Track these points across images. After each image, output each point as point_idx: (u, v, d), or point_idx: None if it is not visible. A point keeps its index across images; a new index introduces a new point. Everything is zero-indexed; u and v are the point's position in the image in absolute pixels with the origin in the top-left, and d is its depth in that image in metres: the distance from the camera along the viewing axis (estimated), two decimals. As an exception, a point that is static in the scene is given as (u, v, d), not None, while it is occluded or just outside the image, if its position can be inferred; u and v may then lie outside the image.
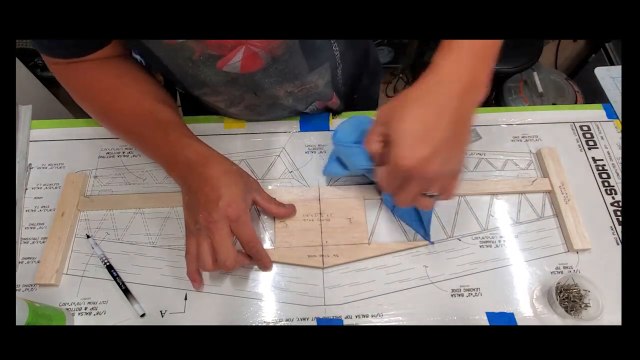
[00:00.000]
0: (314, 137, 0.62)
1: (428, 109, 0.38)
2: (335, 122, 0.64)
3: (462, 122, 0.39)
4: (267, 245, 0.54)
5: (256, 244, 0.48)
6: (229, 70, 0.49)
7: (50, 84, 1.13)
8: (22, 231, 0.54)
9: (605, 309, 0.47)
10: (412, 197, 0.42)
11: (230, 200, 0.45)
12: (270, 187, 0.58)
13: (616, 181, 0.59)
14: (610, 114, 0.66)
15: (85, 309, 0.50)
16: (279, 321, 0.49)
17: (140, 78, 0.54)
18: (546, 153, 0.59)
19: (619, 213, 0.56)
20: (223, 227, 0.45)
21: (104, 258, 0.52)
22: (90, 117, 0.57)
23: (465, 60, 0.39)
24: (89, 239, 0.53)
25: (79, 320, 0.49)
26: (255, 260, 0.50)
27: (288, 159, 0.60)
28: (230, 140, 0.62)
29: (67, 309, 0.49)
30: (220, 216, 0.45)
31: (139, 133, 0.52)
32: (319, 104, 0.62)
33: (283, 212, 0.53)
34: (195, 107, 0.65)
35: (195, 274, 0.48)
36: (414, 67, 1.64)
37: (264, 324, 0.49)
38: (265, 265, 0.50)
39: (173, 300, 0.50)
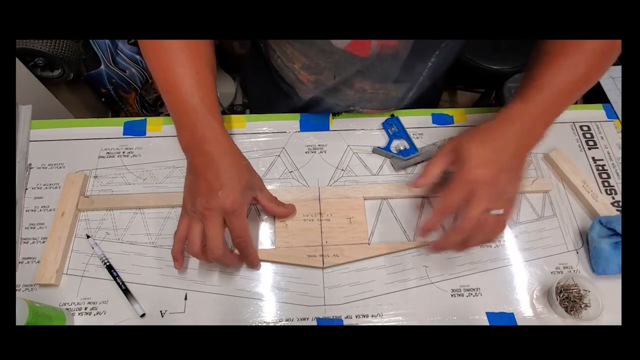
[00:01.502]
0: (314, 137, 0.62)
1: (495, 139, 0.45)
2: (335, 122, 0.64)
3: (519, 158, 0.46)
4: (267, 245, 0.54)
5: (246, 239, 0.47)
6: (335, 43, 0.50)
7: (50, 84, 1.13)
8: (22, 231, 0.54)
9: (605, 309, 0.47)
10: (480, 213, 0.43)
11: (230, 192, 0.45)
12: (270, 187, 0.58)
13: (616, 181, 0.59)
14: (610, 114, 0.66)
15: (85, 309, 0.50)
16: (279, 321, 0.49)
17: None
18: (556, 156, 0.59)
19: (618, 213, 0.56)
20: (217, 217, 0.45)
21: (104, 258, 0.52)
22: (90, 118, 0.56)
23: (531, 111, 0.46)
24: (89, 239, 0.53)
25: (79, 320, 0.49)
26: (242, 257, 0.49)
27: (288, 159, 0.61)
28: (230, 140, 0.62)
29: (67, 309, 0.49)
30: (217, 205, 0.44)
31: (175, 82, 0.48)
32: (368, 110, 0.64)
33: (284, 212, 0.53)
34: (256, 65, 0.66)
35: (179, 254, 0.48)
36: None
37: (264, 324, 0.49)
38: (252, 264, 0.51)
39: (173, 300, 0.50)
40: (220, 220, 0.45)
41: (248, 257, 0.49)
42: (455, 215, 0.50)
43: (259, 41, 0.63)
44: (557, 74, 0.46)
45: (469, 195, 0.44)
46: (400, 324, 0.49)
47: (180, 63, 0.48)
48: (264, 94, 0.70)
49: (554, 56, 0.48)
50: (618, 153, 0.61)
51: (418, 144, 0.61)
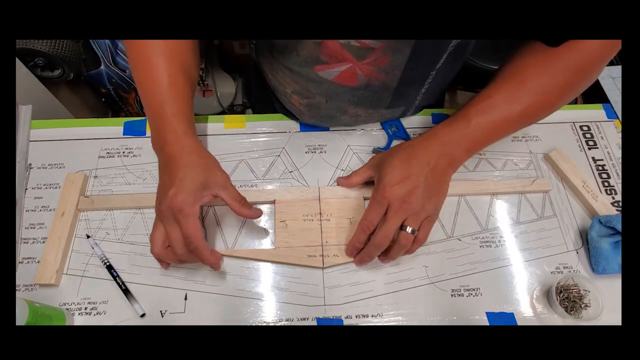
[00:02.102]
0: (314, 137, 0.62)
1: (413, 158, 0.47)
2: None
3: (437, 177, 0.47)
4: (267, 245, 0.54)
5: (194, 240, 0.44)
6: (323, 76, 0.51)
7: (50, 84, 1.13)
8: (22, 231, 0.54)
9: (605, 309, 0.47)
10: (394, 228, 0.46)
11: (179, 192, 0.44)
12: (270, 187, 0.58)
13: (616, 181, 0.59)
14: (610, 114, 0.66)
15: (85, 309, 0.50)
16: (279, 321, 0.49)
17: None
18: (556, 156, 0.59)
19: (618, 212, 0.56)
20: (169, 217, 0.45)
21: (104, 258, 0.52)
22: (90, 118, 0.56)
23: (454, 138, 0.48)
24: (89, 239, 0.53)
25: (79, 320, 0.49)
26: (197, 259, 0.46)
27: (288, 159, 0.60)
28: (230, 140, 0.62)
29: (67, 309, 0.49)
30: (166, 206, 0.44)
31: (147, 85, 0.50)
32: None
33: (247, 213, 0.49)
34: (258, 82, 0.67)
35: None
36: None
37: (264, 324, 0.49)
38: (211, 266, 0.47)
39: (173, 300, 0.50)
40: (173, 219, 0.45)
41: (204, 260, 0.46)
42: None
43: (256, 62, 0.62)
44: (489, 110, 0.48)
45: (387, 212, 0.46)
46: (400, 324, 0.49)
47: (154, 66, 0.49)
48: (265, 109, 0.70)
49: (498, 85, 0.49)
50: (618, 153, 0.61)
51: (418, 144, 0.61)
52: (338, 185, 0.57)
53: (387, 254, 0.48)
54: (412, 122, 0.64)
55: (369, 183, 0.55)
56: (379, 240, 0.46)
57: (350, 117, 0.59)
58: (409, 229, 0.46)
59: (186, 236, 0.44)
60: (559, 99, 0.49)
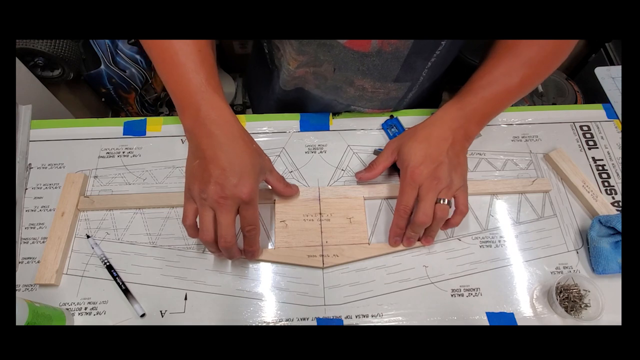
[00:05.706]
0: (314, 137, 0.62)
1: (431, 137, 0.50)
2: (335, 122, 0.64)
3: (455, 150, 0.50)
4: (267, 245, 0.54)
5: (256, 227, 0.47)
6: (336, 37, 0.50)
7: (50, 83, 1.13)
8: (22, 231, 0.54)
9: (605, 309, 0.47)
10: (431, 204, 0.48)
11: (246, 182, 0.44)
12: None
13: (616, 181, 0.59)
14: (610, 114, 0.66)
15: (85, 309, 0.50)
16: (279, 321, 0.49)
17: None
18: (556, 156, 0.59)
19: (618, 212, 0.56)
20: (232, 205, 0.44)
21: (104, 258, 0.52)
22: (90, 118, 0.56)
23: (464, 113, 0.51)
24: (89, 239, 0.53)
25: (79, 320, 0.49)
26: (248, 245, 0.48)
27: (288, 159, 0.61)
28: (230, 140, 0.62)
29: (67, 309, 0.49)
30: (233, 195, 0.44)
31: (177, 61, 0.47)
32: (369, 110, 0.64)
33: (290, 192, 0.54)
34: (259, 66, 0.67)
35: (196, 237, 0.48)
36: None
37: (264, 324, 0.49)
38: (254, 254, 0.50)
39: (173, 300, 0.50)
40: (234, 209, 0.45)
41: (252, 247, 0.49)
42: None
43: (261, 41, 0.62)
44: (491, 84, 0.52)
45: (419, 192, 0.49)
46: (400, 324, 0.49)
47: (181, 42, 0.47)
48: (265, 93, 0.70)
49: (495, 61, 0.52)
50: (618, 153, 0.61)
51: (418, 144, 0.61)
52: (359, 180, 0.57)
53: (429, 232, 0.51)
54: (412, 122, 0.63)
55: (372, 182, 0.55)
56: (421, 219, 0.48)
57: (356, 91, 0.58)
58: (444, 201, 0.48)
59: (250, 223, 0.46)
60: (549, 66, 0.53)
